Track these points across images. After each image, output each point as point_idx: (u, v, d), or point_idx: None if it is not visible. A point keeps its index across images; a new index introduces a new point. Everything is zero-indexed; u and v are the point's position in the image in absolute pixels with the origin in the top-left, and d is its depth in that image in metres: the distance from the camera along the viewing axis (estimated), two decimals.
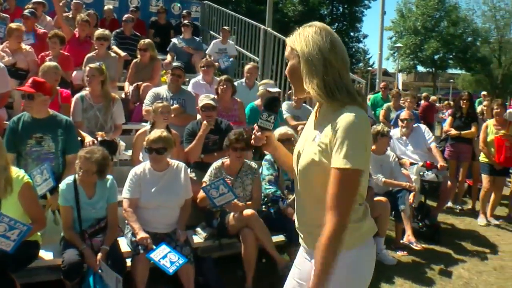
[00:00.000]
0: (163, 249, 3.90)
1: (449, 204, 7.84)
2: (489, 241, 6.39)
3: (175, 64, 6.50)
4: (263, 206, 4.91)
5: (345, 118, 1.83)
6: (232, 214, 4.46)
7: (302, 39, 1.95)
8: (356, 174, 1.82)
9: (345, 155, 1.79)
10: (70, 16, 8.61)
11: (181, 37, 9.32)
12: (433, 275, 5.10)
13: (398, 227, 5.88)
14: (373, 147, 5.63)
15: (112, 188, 4.09)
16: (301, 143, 2.07)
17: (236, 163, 4.70)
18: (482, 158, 7.34)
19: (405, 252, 5.61)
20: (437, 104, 14.88)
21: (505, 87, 45.88)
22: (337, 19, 38.54)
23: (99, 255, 3.81)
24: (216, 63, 9.02)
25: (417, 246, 5.59)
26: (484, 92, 18.76)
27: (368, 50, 41.38)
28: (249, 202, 4.62)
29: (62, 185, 3.99)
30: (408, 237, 5.69)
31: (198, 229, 4.65)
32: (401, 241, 5.80)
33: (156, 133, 4.23)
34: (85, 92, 5.57)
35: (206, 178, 4.67)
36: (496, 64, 45.92)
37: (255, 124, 2.18)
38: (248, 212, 4.40)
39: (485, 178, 7.31)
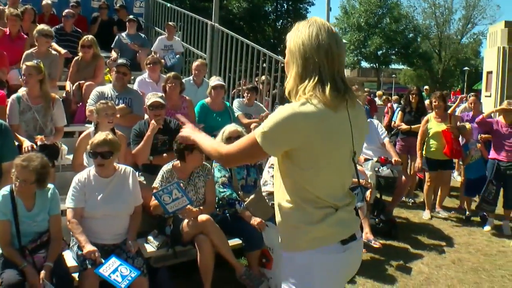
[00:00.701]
0: (113, 262, 3.59)
1: (402, 197, 7.83)
2: (444, 234, 6.43)
3: (120, 61, 6.16)
4: (218, 210, 4.68)
5: (282, 106, 1.92)
6: (186, 220, 4.20)
7: (293, 36, 2.00)
8: (259, 149, 1.92)
9: (261, 129, 1.92)
10: (14, 13, 8.02)
11: (125, 33, 8.90)
12: (393, 272, 5.05)
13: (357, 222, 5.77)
14: None
15: (54, 198, 3.74)
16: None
17: (195, 165, 4.45)
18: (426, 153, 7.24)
19: (364, 250, 5.50)
20: (378, 101, 15.04)
21: (445, 81, 47.66)
22: (281, 16, 38.60)
23: (42, 273, 3.46)
24: (162, 60, 8.69)
25: (376, 244, 5.50)
26: (426, 87, 19.28)
27: None
28: (201, 207, 4.36)
29: None
30: (367, 235, 5.59)
31: (150, 238, 4.35)
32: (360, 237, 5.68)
33: (101, 135, 3.90)
34: (22, 92, 5.12)
35: (157, 183, 4.37)
36: (437, 59, 47.57)
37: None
38: (203, 217, 4.15)
39: (428, 172, 7.28)
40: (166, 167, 4.46)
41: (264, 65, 8.07)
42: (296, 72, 1.95)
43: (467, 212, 7.32)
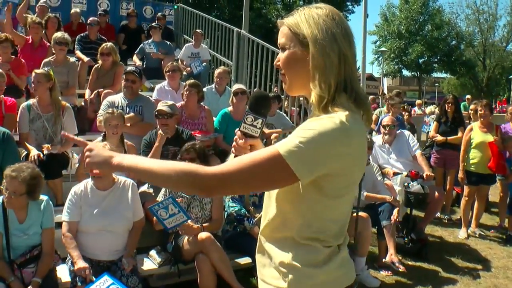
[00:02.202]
0: (105, 280, 3.34)
1: (437, 214, 7.32)
2: (481, 256, 5.91)
3: (129, 68, 5.98)
4: (228, 226, 4.39)
5: (321, 118, 1.44)
6: (186, 237, 3.93)
7: (311, 21, 1.50)
8: (279, 163, 1.39)
9: (285, 141, 1.42)
10: (36, 20, 8.04)
11: (150, 40, 8.78)
12: None
13: (381, 244, 5.37)
14: None
15: (47, 210, 3.54)
16: None
17: None
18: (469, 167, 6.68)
19: (389, 272, 5.09)
20: (418, 111, 14.47)
21: (490, 90, 46.11)
22: None
23: None
24: (188, 68, 8.53)
25: (399, 268, 5.06)
26: (468, 96, 18.52)
27: None
28: (206, 224, 4.08)
29: None
30: (391, 257, 5.17)
31: (153, 253, 4.11)
32: (384, 260, 5.28)
33: None
34: (33, 100, 5.02)
35: (160, 196, 4.16)
36: (481, 67, 46.14)
37: (237, 129, 1.70)
38: (202, 235, 3.87)
39: (466, 186, 6.78)
40: None
41: None
42: (328, 74, 1.47)
43: (509, 232, 6.71)
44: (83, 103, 6.52)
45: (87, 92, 6.67)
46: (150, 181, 1.40)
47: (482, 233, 6.77)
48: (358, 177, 1.56)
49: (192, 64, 8.66)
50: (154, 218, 3.90)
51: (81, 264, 3.42)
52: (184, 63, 8.70)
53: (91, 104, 6.45)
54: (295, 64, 1.54)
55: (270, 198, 1.60)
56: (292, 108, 7.62)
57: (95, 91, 6.49)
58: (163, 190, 4.20)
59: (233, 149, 1.72)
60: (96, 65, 6.90)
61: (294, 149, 1.38)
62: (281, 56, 1.57)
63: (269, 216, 1.60)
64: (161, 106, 4.91)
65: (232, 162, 1.45)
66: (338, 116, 1.42)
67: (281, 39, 1.57)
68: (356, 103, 1.49)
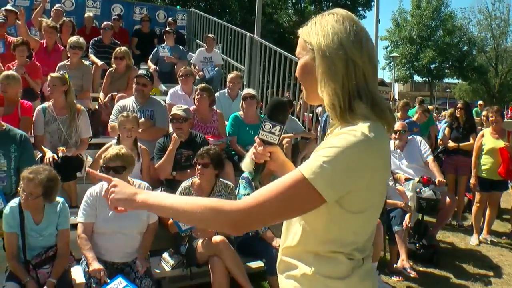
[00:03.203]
0: (119, 282, 3.37)
1: (449, 220, 7.27)
2: (492, 262, 5.87)
3: (140, 71, 6.02)
4: None
5: (342, 133, 1.38)
6: (200, 240, 3.95)
7: (319, 29, 1.47)
8: (305, 186, 1.34)
9: (308, 162, 1.36)
10: (51, 24, 8.14)
11: (164, 44, 8.84)
12: None
13: (392, 250, 5.36)
14: None
15: (63, 212, 3.59)
16: None
17: (202, 181, 4.21)
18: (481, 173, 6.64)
19: (400, 278, 5.08)
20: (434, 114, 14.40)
21: (502, 96, 45.59)
22: None
23: None
24: (201, 73, 8.58)
25: (411, 273, 5.05)
26: (480, 102, 18.37)
27: None
28: None
29: (6, 209, 3.51)
30: (402, 262, 5.16)
31: (166, 256, 4.13)
32: (395, 265, 5.26)
33: (114, 150, 3.73)
34: (48, 103, 5.09)
35: None
36: (493, 73, 45.74)
37: (256, 137, 1.71)
38: (217, 238, 3.89)
39: (478, 193, 6.75)
40: (185, 184, 4.27)
41: None
42: (334, 82, 1.43)
43: None
44: (97, 107, 6.59)
45: (101, 96, 6.75)
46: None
47: (494, 240, 6.73)
48: (383, 189, 1.51)
49: (205, 68, 8.71)
50: (170, 220, 3.93)
51: (95, 265, 3.46)
52: (197, 67, 8.74)
53: (105, 107, 6.51)
54: (308, 73, 1.51)
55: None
56: (305, 114, 7.64)
57: (109, 95, 6.56)
58: (177, 193, 4.23)
59: (253, 156, 1.74)
60: (110, 69, 6.98)
61: (319, 171, 1.34)
62: (298, 66, 1.55)
63: (291, 233, 1.56)
64: (176, 110, 4.95)
65: (258, 194, 1.39)
66: (360, 128, 1.37)
67: (297, 49, 1.56)
68: (374, 111, 1.43)
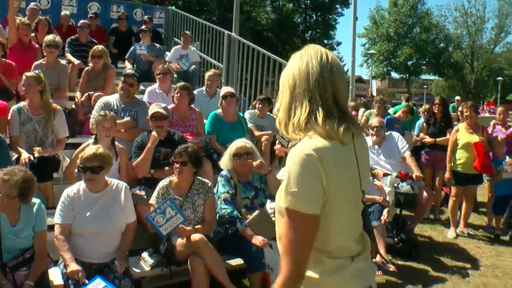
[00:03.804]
0: (97, 283, 3.33)
1: (426, 214, 7.35)
2: (469, 255, 5.97)
3: (128, 71, 5.95)
4: (220, 227, 4.41)
5: (293, 151, 1.66)
6: (179, 239, 3.95)
7: (287, 64, 1.84)
8: (297, 216, 1.60)
9: (288, 192, 1.62)
10: (25, 22, 8.00)
11: (140, 43, 8.77)
12: None
13: (372, 245, 5.39)
14: None
15: (39, 213, 3.53)
16: None
17: (180, 179, 4.20)
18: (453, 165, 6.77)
19: (379, 272, 5.11)
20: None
21: (478, 92, 46.37)
22: (310, 27, 38.27)
23: None
24: (178, 66, 8.53)
25: (390, 267, 5.11)
26: (457, 97, 18.68)
27: (342, 57, 41.26)
28: (199, 226, 4.10)
29: None
30: (381, 257, 5.21)
31: (145, 256, 4.11)
32: (374, 260, 5.30)
33: (91, 149, 3.68)
34: (23, 103, 5.01)
35: (153, 199, 4.18)
36: (469, 69, 46.44)
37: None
38: (196, 237, 3.89)
39: (454, 187, 6.86)
40: (163, 183, 4.26)
41: None
42: (285, 103, 1.76)
43: (496, 231, 6.81)
44: (74, 106, 6.50)
45: (78, 95, 6.66)
46: None
47: (471, 233, 6.86)
48: (336, 192, 1.65)
49: (180, 61, 8.67)
50: (149, 224, 3.90)
51: (73, 267, 3.41)
52: (172, 65, 8.71)
53: (82, 106, 6.43)
54: (278, 98, 1.83)
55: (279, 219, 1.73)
56: None
57: (86, 94, 6.48)
58: (155, 193, 4.22)
59: (277, 151, 2.25)
60: (86, 68, 6.89)
61: (292, 198, 1.60)
62: None
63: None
64: (157, 108, 4.93)
65: (282, 253, 1.63)
66: (303, 141, 1.68)
67: None
68: (326, 119, 1.68)
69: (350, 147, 1.74)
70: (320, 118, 1.68)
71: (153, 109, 4.97)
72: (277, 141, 2.44)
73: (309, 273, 1.68)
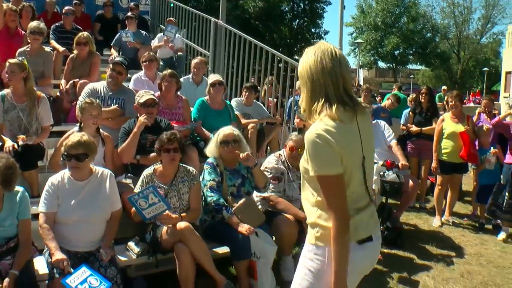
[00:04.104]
0: (83, 272, 3.31)
1: (412, 203, 7.42)
2: (454, 243, 6.05)
3: (117, 59, 5.88)
4: (206, 215, 4.41)
5: (307, 134, 2.16)
6: (165, 227, 3.93)
7: (301, 59, 2.29)
8: (327, 179, 2.12)
9: (312, 165, 2.14)
10: (13, 8, 7.85)
11: (126, 30, 8.67)
12: (395, 285, 4.72)
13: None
14: None
15: (23, 202, 3.49)
16: None
17: (169, 167, 4.19)
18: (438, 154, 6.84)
19: None
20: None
21: (464, 82, 46.72)
22: (298, 16, 38.12)
23: (6, 281, 3.24)
24: (165, 37, 8.62)
25: None
26: (444, 87, 18.82)
27: None
28: (184, 214, 4.10)
29: None
30: None
31: (131, 244, 4.09)
32: None
33: (75, 137, 3.63)
34: (7, 91, 4.92)
35: (137, 187, 4.15)
36: (455, 59, 46.72)
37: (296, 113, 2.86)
38: (181, 225, 3.87)
39: (439, 176, 6.95)
40: (147, 171, 4.23)
41: (278, 65, 7.71)
42: (307, 94, 2.24)
43: (481, 220, 6.92)
44: (58, 94, 6.43)
45: (62, 82, 6.58)
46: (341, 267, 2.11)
47: (456, 221, 6.95)
48: (346, 160, 2.13)
49: (166, 31, 8.65)
50: (133, 209, 3.89)
51: (58, 255, 3.38)
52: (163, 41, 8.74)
53: (67, 94, 6.36)
54: (301, 90, 2.32)
55: (304, 189, 2.32)
56: (270, 98, 7.64)
57: (71, 82, 6.41)
58: (139, 181, 4.19)
59: (296, 124, 3.42)
60: (71, 55, 6.80)
61: (319, 167, 2.11)
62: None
63: (307, 191, 2.30)
64: (149, 95, 4.92)
65: (328, 202, 2.13)
66: (316, 125, 2.15)
67: None
68: (340, 109, 2.16)
69: (354, 124, 2.20)
70: (334, 105, 2.15)
71: (143, 95, 4.93)
72: (296, 116, 2.95)
73: (326, 223, 2.17)
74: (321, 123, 2.13)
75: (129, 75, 7.17)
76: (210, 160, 4.55)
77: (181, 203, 4.19)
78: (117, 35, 8.62)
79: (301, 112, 2.32)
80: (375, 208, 2.42)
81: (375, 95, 16.33)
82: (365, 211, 2.26)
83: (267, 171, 4.81)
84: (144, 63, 6.66)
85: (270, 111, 7.26)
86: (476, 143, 6.94)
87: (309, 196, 2.28)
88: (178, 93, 5.93)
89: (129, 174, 4.81)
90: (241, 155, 4.41)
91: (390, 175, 5.66)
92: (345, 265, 2.10)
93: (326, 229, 2.17)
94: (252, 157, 4.51)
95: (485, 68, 43.75)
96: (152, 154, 4.63)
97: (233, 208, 4.24)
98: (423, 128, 7.38)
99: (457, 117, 6.80)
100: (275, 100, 7.68)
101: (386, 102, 8.65)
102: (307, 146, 2.14)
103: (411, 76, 54.10)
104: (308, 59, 2.24)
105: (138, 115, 4.97)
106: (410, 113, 7.70)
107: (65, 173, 3.73)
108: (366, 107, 2.35)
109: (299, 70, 2.29)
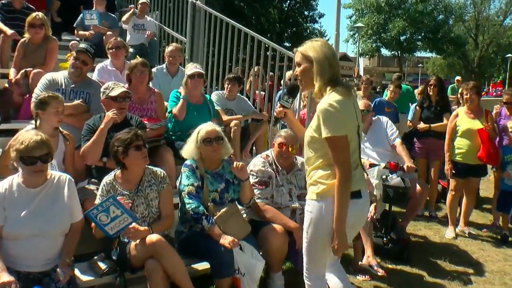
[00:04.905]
0: None
1: (420, 210, 7.41)
2: (472, 258, 6.05)
3: (82, 45, 5.82)
4: (183, 226, 4.43)
5: (320, 105, 3.15)
6: (133, 242, 3.92)
7: (313, 49, 3.22)
8: (337, 139, 3.11)
9: (325, 128, 3.10)
10: None
11: (92, 10, 8.60)
12: None
13: (357, 245, 5.44)
14: None
15: None
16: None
17: (139, 170, 4.20)
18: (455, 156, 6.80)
19: (367, 277, 5.20)
20: None
21: (482, 71, 46.46)
22: None
23: None
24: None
25: (378, 271, 5.18)
26: (458, 77, 18.88)
27: (325, 31, 41.05)
28: (155, 224, 4.11)
29: None
30: (368, 259, 5.29)
31: (96, 261, 4.07)
32: (361, 262, 5.39)
33: (32, 136, 3.54)
34: None
35: (97, 198, 4.12)
36: (472, 45, 46.49)
37: (278, 102, 3.63)
38: (152, 238, 3.85)
39: (453, 179, 6.90)
40: (107, 179, 4.20)
41: (266, 53, 7.71)
42: (322, 77, 3.20)
43: (504, 231, 6.88)
44: (7, 85, 6.34)
45: (12, 72, 6.53)
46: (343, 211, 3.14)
47: (473, 233, 6.93)
48: (350, 125, 3.21)
49: (86, 21, 8.55)
50: (93, 224, 3.86)
51: (5, 278, 3.30)
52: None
53: (17, 86, 6.28)
54: (307, 73, 3.27)
55: (311, 144, 3.28)
56: (256, 92, 7.65)
57: (22, 71, 6.34)
58: (99, 191, 4.16)
59: (275, 114, 3.68)
60: (22, 39, 6.74)
61: (334, 129, 3.09)
62: (298, 69, 3.31)
63: (312, 154, 3.28)
64: (120, 88, 4.93)
65: (339, 161, 3.12)
66: (327, 97, 3.16)
67: (297, 59, 3.32)
68: (342, 88, 3.19)
69: (351, 100, 3.25)
70: (339, 85, 3.20)
71: (114, 88, 4.92)
72: (278, 105, 3.61)
73: (326, 181, 3.19)
74: (330, 97, 3.13)
75: (94, 64, 7.16)
76: (188, 162, 4.54)
77: (150, 211, 4.19)
78: (80, 16, 8.57)
79: (317, 91, 3.23)
80: (363, 171, 3.49)
81: (377, 87, 16.37)
82: (358, 169, 3.32)
83: (253, 175, 4.81)
84: (111, 51, 6.65)
85: (256, 106, 7.26)
86: (496, 142, 6.94)
87: (311, 161, 3.28)
88: (150, 85, 5.91)
89: (93, 179, 4.78)
90: (234, 164, 4.46)
91: (394, 179, 5.65)
92: (346, 210, 3.10)
93: (326, 185, 3.17)
94: (245, 169, 4.55)
95: (508, 55, 43.23)
96: None
97: (215, 217, 4.25)
98: (432, 125, 7.42)
99: (474, 112, 6.76)
100: (262, 93, 7.68)
101: (388, 94, 8.69)
102: (320, 114, 3.11)
103: (420, 65, 54.37)
104: (318, 45, 3.24)
105: (105, 110, 4.94)
106: (417, 107, 7.75)
107: (13, 179, 3.65)
108: (355, 90, 3.40)
109: (313, 55, 3.20)
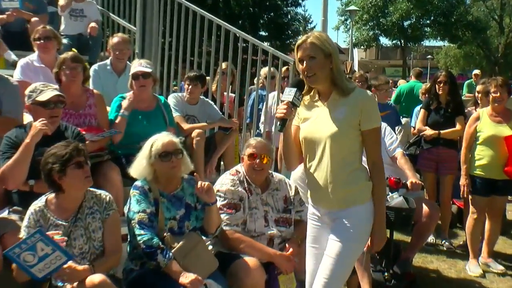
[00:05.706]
0: None
1: (431, 238, 7.59)
2: None
3: None
4: (133, 263, 4.47)
5: (365, 94, 3.85)
6: (69, 286, 3.93)
7: (327, 41, 3.71)
8: (379, 130, 3.84)
9: (375, 118, 3.75)
10: None
11: None
12: None
13: (351, 281, 5.50)
14: None
15: None
16: (313, 124, 3.84)
17: (79, 193, 4.21)
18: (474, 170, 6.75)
19: None
20: None
21: (508, 62, 45.93)
22: None
23: None
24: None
25: None
26: (476, 71, 18.94)
27: (310, 16, 41.15)
28: (97, 261, 4.14)
29: None
30: None
31: None
32: None
33: None
34: None
35: (22, 230, 4.07)
36: (496, 29, 46.27)
37: (287, 101, 3.68)
38: (94, 279, 3.85)
39: (474, 199, 6.83)
40: (35, 206, 4.16)
41: (236, 45, 7.79)
42: (338, 67, 3.76)
43: None
44: None
45: None
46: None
47: (499, 266, 6.79)
48: None
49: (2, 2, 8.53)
50: (13, 264, 3.83)
51: None
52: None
53: None
54: (322, 66, 3.68)
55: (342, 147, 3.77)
56: (224, 93, 7.71)
57: None
58: (25, 221, 4.14)
59: (278, 115, 3.70)
60: None
61: (376, 118, 3.77)
62: (312, 62, 3.66)
63: (342, 157, 3.75)
64: (51, 91, 4.90)
65: (375, 150, 3.83)
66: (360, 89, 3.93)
67: (310, 52, 3.66)
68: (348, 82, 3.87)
69: None
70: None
71: (43, 91, 4.88)
72: (282, 105, 3.69)
73: (367, 181, 3.82)
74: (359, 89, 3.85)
75: (15, 58, 7.15)
76: (138, 183, 4.56)
77: (92, 245, 4.19)
78: None
79: (340, 83, 3.73)
80: None
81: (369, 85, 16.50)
82: None
83: (220, 196, 4.83)
84: (38, 42, 6.64)
85: (224, 111, 7.33)
86: None
87: (348, 167, 3.74)
88: (91, 86, 5.94)
89: (14, 207, 4.78)
90: (199, 184, 4.51)
91: (395, 199, 5.64)
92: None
93: (368, 185, 3.77)
94: (213, 190, 4.60)
95: None
96: None
97: (172, 251, 4.29)
98: (442, 131, 7.43)
99: (500, 115, 6.72)
100: (232, 95, 7.75)
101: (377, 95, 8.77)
102: (368, 103, 3.73)
103: (429, 56, 54.31)
104: (332, 44, 3.76)
105: (32, 119, 4.95)
106: (423, 110, 7.80)
107: None
108: None
109: (331, 47, 3.71)
